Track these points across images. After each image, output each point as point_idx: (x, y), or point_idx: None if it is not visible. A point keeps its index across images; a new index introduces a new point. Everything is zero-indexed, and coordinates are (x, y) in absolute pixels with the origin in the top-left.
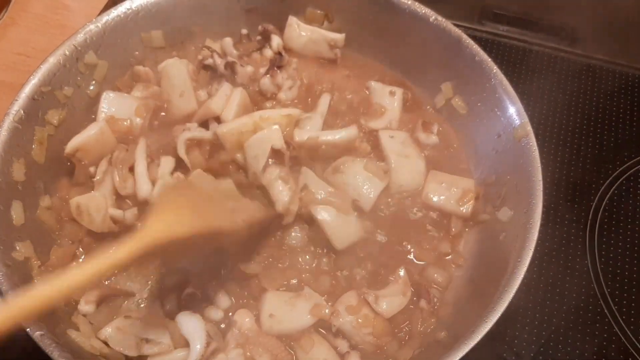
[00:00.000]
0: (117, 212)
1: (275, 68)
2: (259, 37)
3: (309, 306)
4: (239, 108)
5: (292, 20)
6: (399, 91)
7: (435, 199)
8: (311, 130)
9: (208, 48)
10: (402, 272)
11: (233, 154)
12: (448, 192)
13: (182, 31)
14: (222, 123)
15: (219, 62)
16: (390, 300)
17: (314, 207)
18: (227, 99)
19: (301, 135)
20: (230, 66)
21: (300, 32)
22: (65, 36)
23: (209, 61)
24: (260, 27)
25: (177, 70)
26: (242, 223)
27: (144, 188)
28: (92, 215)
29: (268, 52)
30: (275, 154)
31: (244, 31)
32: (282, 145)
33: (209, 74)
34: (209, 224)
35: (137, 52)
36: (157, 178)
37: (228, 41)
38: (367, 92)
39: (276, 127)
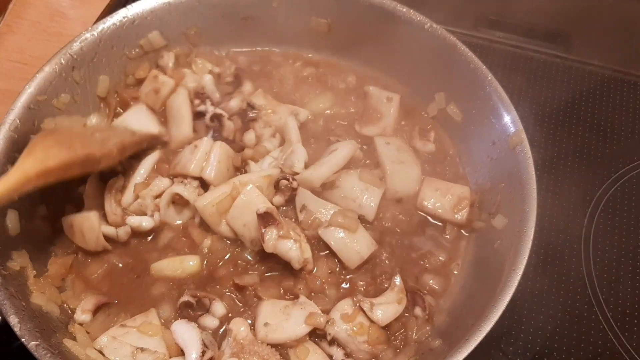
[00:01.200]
0: (110, 230)
1: (250, 122)
2: (229, 79)
3: (304, 315)
4: (220, 164)
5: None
6: (396, 97)
7: (429, 205)
8: (301, 161)
9: (199, 94)
10: (397, 280)
11: (216, 226)
12: (443, 199)
13: (178, 35)
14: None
15: (210, 111)
16: (386, 308)
17: (322, 230)
18: (206, 157)
19: (315, 181)
20: (217, 118)
21: None
22: (62, 43)
23: (202, 108)
24: (234, 69)
25: (175, 101)
26: (113, 147)
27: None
28: (85, 234)
29: (235, 102)
30: (264, 216)
31: (216, 69)
32: (267, 207)
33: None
34: (78, 152)
35: (133, 59)
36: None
37: (209, 79)
38: (365, 97)
39: (251, 187)
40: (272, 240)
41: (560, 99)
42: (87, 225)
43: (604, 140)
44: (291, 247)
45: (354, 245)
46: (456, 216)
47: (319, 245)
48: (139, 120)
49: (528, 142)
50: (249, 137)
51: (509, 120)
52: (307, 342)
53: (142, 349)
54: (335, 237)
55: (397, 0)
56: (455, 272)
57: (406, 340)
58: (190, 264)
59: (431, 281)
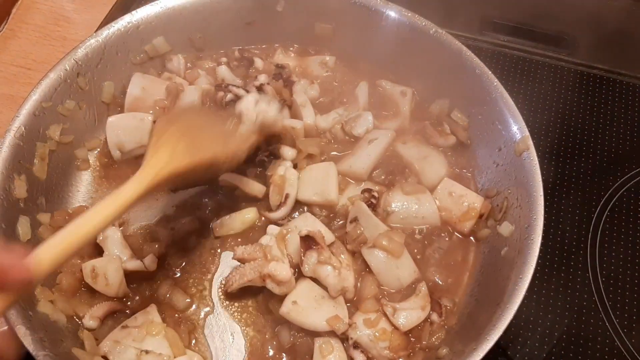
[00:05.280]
0: (135, 264)
1: (283, 80)
2: (236, 63)
3: (330, 313)
4: None
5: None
6: (409, 91)
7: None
8: (363, 129)
9: (220, 86)
10: (423, 287)
11: None
12: (453, 205)
13: (183, 41)
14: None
15: (241, 94)
16: (409, 314)
17: (365, 249)
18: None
19: (363, 173)
20: (261, 89)
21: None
22: (66, 48)
23: (230, 97)
24: (237, 53)
25: (187, 98)
26: (232, 152)
27: None
28: (109, 279)
29: (254, 72)
30: (306, 239)
31: (224, 59)
32: (309, 230)
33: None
34: (204, 154)
35: (137, 65)
36: None
37: (224, 68)
38: (380, 90)
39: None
40: (311, 265)
41: (566, 103)
42: (112, 267)
43: (609, 145)
44: (329, 273)
45: (396, 271)
46: (461, 224)
47: (361, 262)
48: (145, 89)
49: (534, 148)
50: (300, 91)
51: (515, 126)
52: (334, 339)
53: (147, 352)
54: (377, 260)
55: (402, 5)
56: (463, 278)
57: (419, 346)
58: (247, 216)
59: (437, 277)
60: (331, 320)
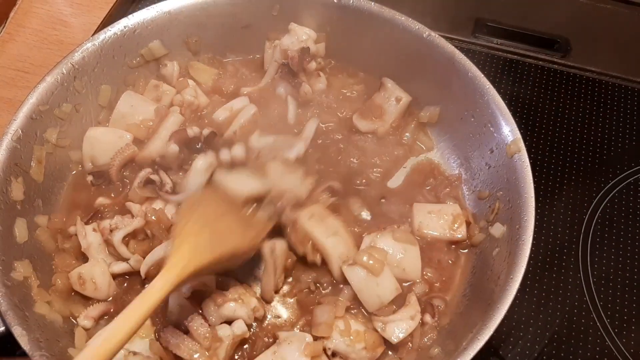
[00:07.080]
0: (122, 266)
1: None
2: None
3: (298, 349)
4: None
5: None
6: (405, 99)
7: (430, 231)
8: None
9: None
10: (413, 298)
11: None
12: (439, 221)
13: (179, 44)
14: None
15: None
16: (399, 325)
17: (345, 267)
18: None
19: None
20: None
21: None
22: (63, 52)
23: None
24: None
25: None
26: (251, 242)
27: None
28: (97, 281)
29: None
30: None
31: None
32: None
33: None
34: (225, 247)
35: (133, 68)
36: None
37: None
38: (378, 89)
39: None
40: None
41: (559, 106)
42: (98, 271)
43: (601, 147)
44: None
45: (376, 288)
46: (456, 234)
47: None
48: (133, 107)
49: (526, 149)
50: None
51: (507, 128)
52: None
53: (135, 353)
54: (358, 277)
55: (395, 9)
56: (455, 278)
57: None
58: None
59: (430, 278)
60: (308, 350)
